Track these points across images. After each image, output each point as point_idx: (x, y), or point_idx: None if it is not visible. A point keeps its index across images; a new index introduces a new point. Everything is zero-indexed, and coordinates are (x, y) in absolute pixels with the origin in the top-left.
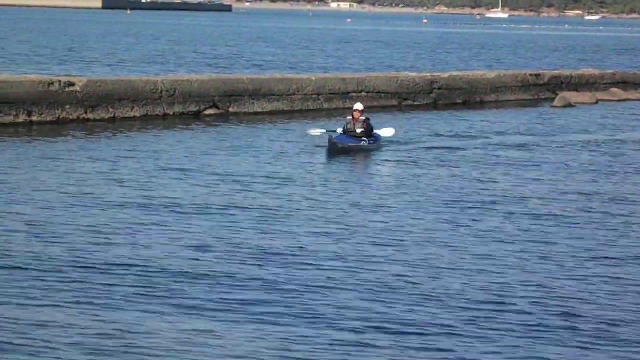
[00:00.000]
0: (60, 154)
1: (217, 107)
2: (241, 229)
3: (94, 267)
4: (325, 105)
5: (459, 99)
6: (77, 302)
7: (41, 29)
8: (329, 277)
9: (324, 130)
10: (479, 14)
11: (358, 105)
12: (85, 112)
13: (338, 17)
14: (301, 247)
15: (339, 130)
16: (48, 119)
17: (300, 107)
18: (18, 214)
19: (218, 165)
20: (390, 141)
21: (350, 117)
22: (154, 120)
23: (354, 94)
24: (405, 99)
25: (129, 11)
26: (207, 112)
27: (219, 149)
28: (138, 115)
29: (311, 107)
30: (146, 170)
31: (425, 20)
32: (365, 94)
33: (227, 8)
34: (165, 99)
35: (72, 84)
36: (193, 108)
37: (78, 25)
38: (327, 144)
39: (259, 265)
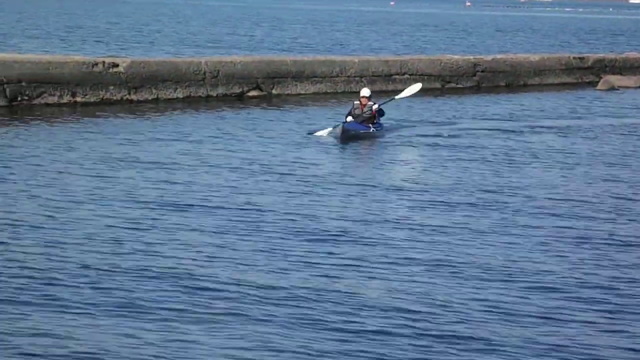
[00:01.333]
0: (102, 135)
1: (260, 89)
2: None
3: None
4: (369, 88)
5: (502, 82)
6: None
7: (74, 9)
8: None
9: (330, 129)
10: None
11: (365, 92)
12: (129, 93)
13: (381, 0)
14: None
15: (350, 118)
16: (92, 99)
17: (343, 89)
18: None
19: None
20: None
21: (358, 103)
22: (197, 102)
23: (397, 77)
24: (449, 82)
25: None
26: (251, 93)
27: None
28: (181, 96)
29: (354, 90)
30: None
31: (469, 4)
32: (408, 76)
33: None
34: (208, 81)
35: (116, 65)
36: (236, 90)
37: (114, 6)
38: (339, 130)
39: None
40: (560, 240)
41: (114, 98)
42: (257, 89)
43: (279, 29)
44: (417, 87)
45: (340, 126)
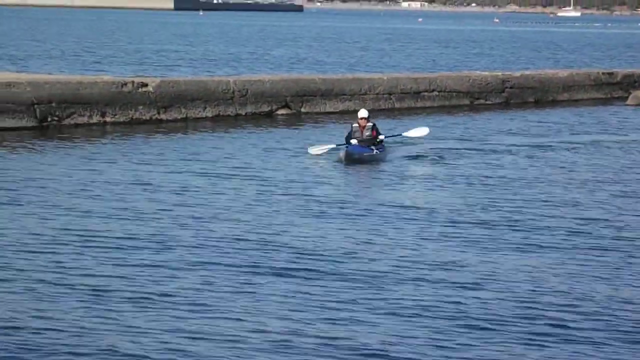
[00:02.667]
0: (133, 154)
1: (289, 107)
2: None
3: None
4: (397, 105)
5: (531, 98)
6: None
7: (117, 30)
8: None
9: (332, 146)
10: (551, 12)
11: (363, 113)
12: (158, 113)
13: (409, 17)
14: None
15: (354, 141)
16: (121, 119)
17: (372, 107)
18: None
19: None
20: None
21: (357, 125)
22: (226, 121)
23: (425, 94)
24: (477, 99)
25: (202, 12)
26: (279, 112)
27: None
28: (210, 115)
29: (383, 107)
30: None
31: (497, 20)
32: (436, 93)
33: (299, 8)
34: (237, 100)
35: (145, 85)
36: (265, 108)
37: (152, 27)
38: (342, 155)
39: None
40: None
41: (144, 118)
42: (285, 107)
43: (308, 47)
44: (425, 130)
45: (344, 151)
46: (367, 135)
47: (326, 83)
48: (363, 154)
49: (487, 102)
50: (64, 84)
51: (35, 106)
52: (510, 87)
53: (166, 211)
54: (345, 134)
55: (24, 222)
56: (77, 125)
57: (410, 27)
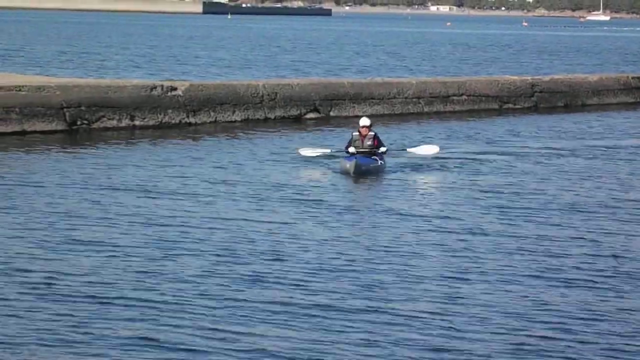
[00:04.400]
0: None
1: (318, 111)
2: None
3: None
4: (426, 109)
5: (561, 102)
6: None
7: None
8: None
9: (327, 151)
10: (581, 16)
11: (365, 121)
12: (187, 117)
13: (437, 21)
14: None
15: (352, 149)
16: (151, 123)
17: (400, 110)
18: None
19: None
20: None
21: (357, 134)
22: (255, 124)
23: (454, 98)
24: (506, 103)
25: (229, 16)
26: (308, 116)
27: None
28: (239, 119)
29: (412, 111)
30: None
31: (526, 24)
32: (465, 97)
33: (327, 12)
34: (266, 103)
35: (175, 89)
36: (294, 112)
37: (180, 30)
38: (349, 166)
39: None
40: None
41: (173, 121)
42: (314, 111)
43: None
44: (434, 149)
45: (353, 162)
46: (367, 145)
47: (355, 87)
48: (370, 166)
49: (516, 107)
50: (93, 88)
51: (65, 110)
52: (540, 92)
53: (183, 217)
54: (345, 142)
55: (49, 223)
56: (106, 129)
57: (438, 30)
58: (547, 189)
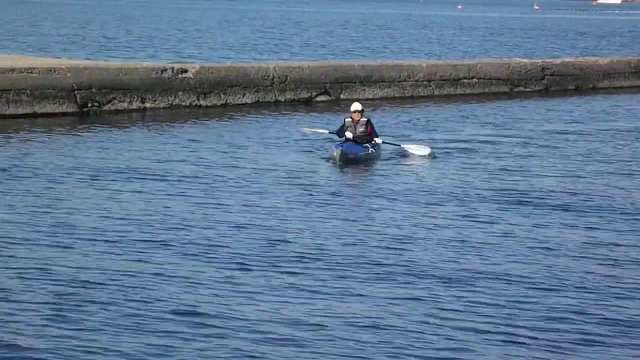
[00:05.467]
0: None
1: (328, 94)
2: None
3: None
4: (437, 92)
5: (571, 85)
6: None
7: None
8: None
9: (325, 132)
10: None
11: (357, 106)
12: (198, 99)
13: (448, 4)
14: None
15: (349, 135)
16: (161, 105)
17: (411, 93)
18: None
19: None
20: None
21: (350, 120)
22: (265, 107)
23: (465, 80)
24: (517, 86)
25: None
26: (319, 98)
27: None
28: (250, 102)
29: (422, 94)
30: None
31: (537, 7)
32: (476, 80)
33: None
34: (276, 86)
35: (185, 71)
36: (304, 95)
37: (188, 12)
38: (336, 154)
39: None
40: None
41: (183, 104)
42: (325, 93)
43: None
44: (426, 150)
45: (338, 149)
46: (360, 131)
47: (365, 69)
48: (359, 153)
49: (527, 90)
50: (104, 70)
51: (76, 92)
52: (550, 75)
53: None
54: (337, 128)
55: (61, 206)
56: (117, 111)
57: (449, 14)
58: (551, 174)
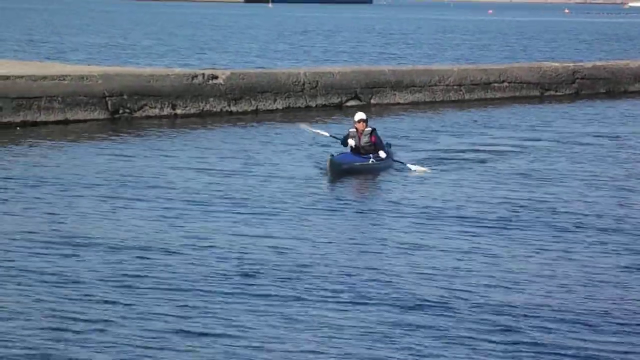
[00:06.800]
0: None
1: (358, 99)
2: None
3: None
4: (467, 97)
5: (603, 89)
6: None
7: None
8: None
9: (326, 135)
10: (624, 3)
11: (361, 115)
12: (229, 105)
13: (479, 9)
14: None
15: (352, 143)
16: (192, 111)
17: (442, 98)
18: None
19: None
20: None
21: (354, 130)
22: (296, 113)
23: (495, 85)
24: (548, 90)
25: (270, 4)
26: (349, 103)
27: None
28: (280, 107)
29: (453, 98)
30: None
31: (567, 11)
32: (507, 84)
33: (368, 0)
34: (307, 91)
35: (216, 77)
36: (335, 100)
37: (220, 19)
38: (327, 165)
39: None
40: None
41: (214, 110)
42: (355, 98)
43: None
44: (422, 170)
45: (329, 160)
46: (365, 142)
47: (396, 74)
48: (355, 164)
49: (558, 94)
50: (135, 77)
51: (107, 98)
52: (581, 78)
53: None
54: (342, 137)
55: (96, 212)
56: (148, 118)
57: (483, 19)
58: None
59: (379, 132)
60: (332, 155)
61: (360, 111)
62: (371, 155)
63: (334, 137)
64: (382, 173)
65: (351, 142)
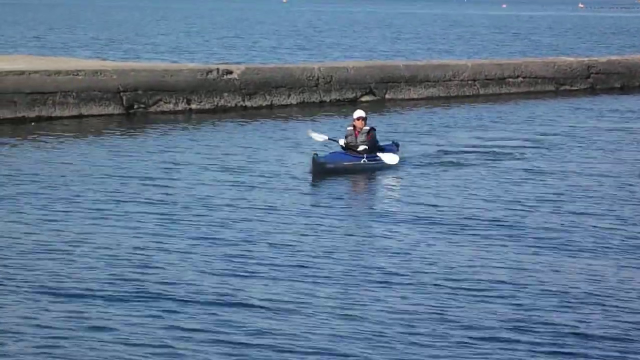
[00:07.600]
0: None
1: (373, 94)
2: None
3: None
4: (482, 92)
5: (617, 83)
6: None
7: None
8: None
9: (326, 137)
10: None
11: (360, 112)
12: (243, 100)
13: (494, 3)
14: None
15: (341, 142)
16: (207, 106)
17: (456, 93)
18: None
19: None
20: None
21: (351, 128)
22: (310, 107)
23: (510, 79)
24: (562, 85)
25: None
26: (364, 98)
27: None
28: (295, 102)
29: (467, 93)
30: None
31: (582, 5)
32: (521, 79)
33: None
34: (322, 86)
35: (230, 72)
36: (349, 95)
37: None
38: (310, 165)
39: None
40: None
41: (229, 105)
42: (370, 93)
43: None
44: (395, 159)
45: (312, 159)
46: (361, 141)
47: (410, 69)
48: (342, 163)
49: (573, 88)
50: (149, 72)
51: (122, 93)
52: (596, 73)
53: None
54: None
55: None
56: (162, 113)
57: (497, 14)
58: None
59: (376, 132)
60: (316, 154)
61: (360, 109)
62: (365, 155)
63: (333, 139)
64: (370, 173)
65: (341, 141)
